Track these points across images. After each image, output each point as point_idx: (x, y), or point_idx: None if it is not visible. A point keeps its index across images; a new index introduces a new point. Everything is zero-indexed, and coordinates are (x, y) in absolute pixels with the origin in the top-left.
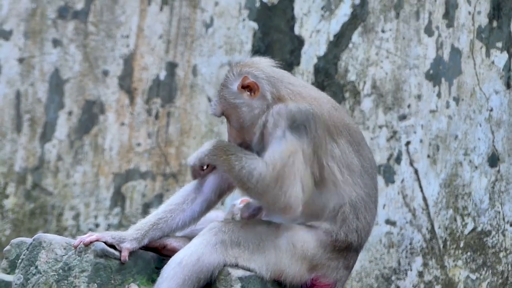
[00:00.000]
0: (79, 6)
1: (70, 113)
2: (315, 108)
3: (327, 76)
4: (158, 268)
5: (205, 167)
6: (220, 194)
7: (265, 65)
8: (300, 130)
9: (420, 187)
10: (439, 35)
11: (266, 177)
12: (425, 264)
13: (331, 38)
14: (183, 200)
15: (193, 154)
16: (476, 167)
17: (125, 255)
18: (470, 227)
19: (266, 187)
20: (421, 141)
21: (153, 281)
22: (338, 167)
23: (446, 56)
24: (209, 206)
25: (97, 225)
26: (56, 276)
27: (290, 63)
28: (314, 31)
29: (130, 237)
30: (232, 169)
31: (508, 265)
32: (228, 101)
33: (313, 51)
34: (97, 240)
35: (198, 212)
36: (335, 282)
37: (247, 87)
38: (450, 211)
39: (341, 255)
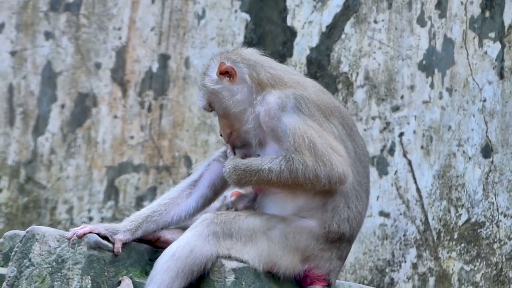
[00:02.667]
0: None
1: (62, 106)
2: (301, 91)
3: (319, 67)
4: (152, 260)
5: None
6: (215, 190)
7: (246, 51)
8: (295, 111)
9: (414, 178)
10: (432, 26)
11: (308, 164)
12: (419, 256)
13: (324, 29)
14: (178, 195)
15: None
16: (469, 158)
17: (118, 246)
18: (464, 218)
19: (315, 171)
20: (414, 132)
21: (147, 273)
22: None
23: (439, 47)
24: (205, 202)
25: (90, 219)
26: (50, 269)
27: (282, 54)
28: (307, 22)
29: (123, 229)
30: (270, 181)
31: (502, 256)
32: (209, 89)
33: (305, 42)
34: (90, 232)
35: (194, 208)
36: (329, 273)
37: (226, 73)
38: (444, 203)
39: (334, 245)
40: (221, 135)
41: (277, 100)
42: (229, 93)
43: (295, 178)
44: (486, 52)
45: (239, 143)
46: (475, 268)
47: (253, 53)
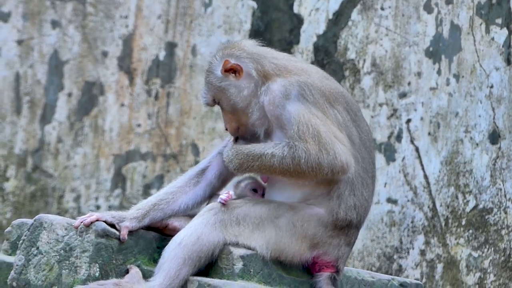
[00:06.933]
0: None
1: (69, 94)
2: (305, 78)
3: (326, 54)
4: (160, 248)
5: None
6: (223, 179)
7: (247, 44)
8: (299, 99)
9: (421, 165)
10: (439, 12)
11: (311, 152)
12: (427, 242)
13: (330, 16)
14: (185, 184)
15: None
16: (477, 144)
17: (124, 233)
18: (471, 204)
19: (318, 159)
20: (421, 118)
21: (155, 260)
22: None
23: (445, 33)
24: (213, 191)
25: (98, 207)
26: (58, 257)
27: (289, 41)
28: (313, 10)
29: (130, 216)
30: (271, 167)
31: (510, 243)
32: (215, 86)
33: (312, 29)
34: (97, 220)
35: (201, 196)
36: (337, 259)
37: (231, 70)
38: (452, 189)
39: (342, 232)
40: (226, 129)
41: (280, 88)
42: (236, 89)
43: (297, 165)
44: (493, 38)
45: (247, 136)
46: (483, 255)
47: (254, 45)
